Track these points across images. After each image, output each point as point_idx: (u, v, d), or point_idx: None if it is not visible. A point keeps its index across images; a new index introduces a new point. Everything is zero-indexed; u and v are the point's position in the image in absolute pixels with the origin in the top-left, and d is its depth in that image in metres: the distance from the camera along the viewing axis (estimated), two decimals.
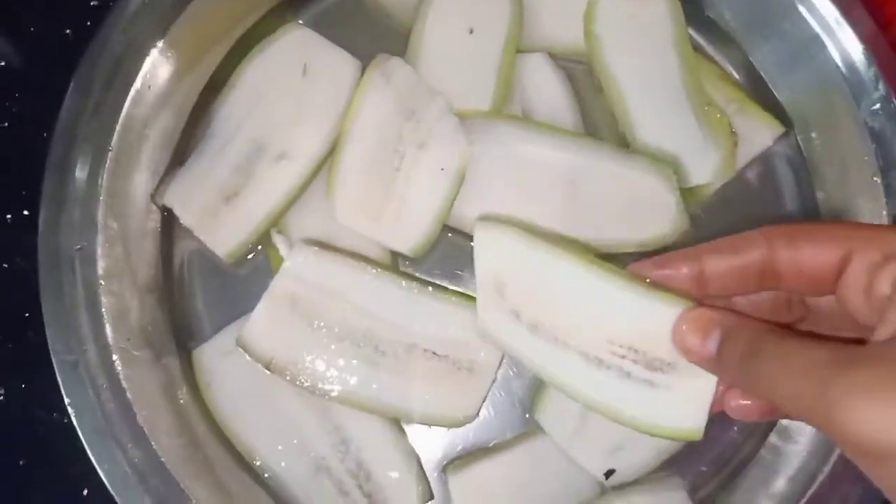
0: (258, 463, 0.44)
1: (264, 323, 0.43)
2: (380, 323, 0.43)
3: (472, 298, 0.43)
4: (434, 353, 0.43)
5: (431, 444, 0.45)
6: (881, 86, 0.43)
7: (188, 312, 0.46)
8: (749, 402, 0.34)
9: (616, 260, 0.40)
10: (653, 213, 0.45)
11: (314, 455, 0.43)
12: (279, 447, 0.44)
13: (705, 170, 0.46)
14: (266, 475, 0.44)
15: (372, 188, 0.44)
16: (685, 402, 0.36)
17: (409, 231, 0.44)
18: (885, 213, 0.43)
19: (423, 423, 0.44)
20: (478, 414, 0.44)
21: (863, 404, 0.26)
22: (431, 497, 0.44)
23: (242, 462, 0.44)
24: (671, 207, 0.45)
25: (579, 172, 0.45)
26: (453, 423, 0.44)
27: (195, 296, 0.46)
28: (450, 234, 0.46)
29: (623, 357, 0.36)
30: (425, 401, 0.43)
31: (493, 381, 0.44)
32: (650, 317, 0.35)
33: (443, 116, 0.45)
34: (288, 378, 0.42)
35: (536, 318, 0.37)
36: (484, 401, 0.44)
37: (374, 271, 0.43)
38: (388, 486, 0.43)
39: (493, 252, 0.39)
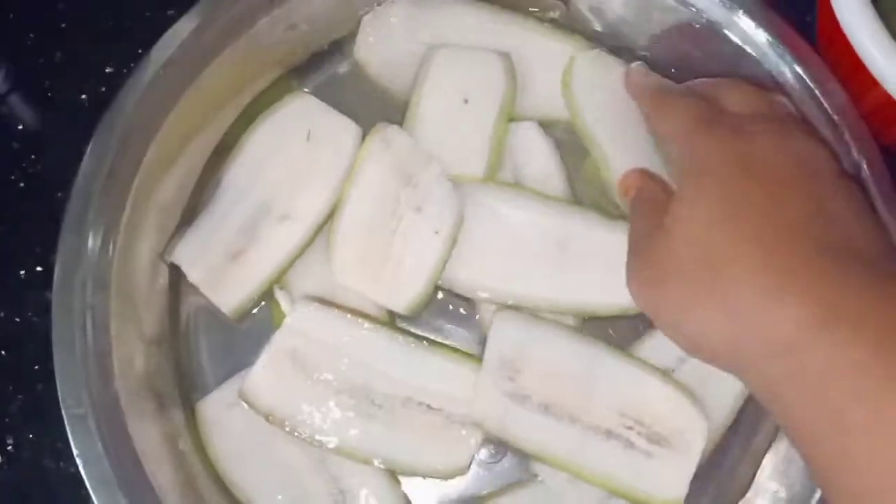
0: None
1: (265, 376, 0.45)
2: (377, 377, 0.45)
3: (467, 355, 0.46)
4: (429, 406, 0.45)
5: (426, 492, 0.47)
6: (854, 154, 0.46)
7: (193, 365, 0.48)
8: None
9: (600, 323, 0.47)
10: None
11: None
12: (279, 497, 0.45)
13: None
14: None
15: (370, 249, 0.46)
16: (672, 473, 0.44)
17: (405, 291, 0.46)
18: None
19: (416, 475, 0.45)
20: (469, 467, 0.45)
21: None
22: None
23: None
24: None
25: (567, 237, 0.47)
26: (445, 476, 0.45)
27: (200, 349, 0.48)
28: (440, 295, 0.49)
29: (630, 428, 0.44)
30: (419, 453, 0.44)
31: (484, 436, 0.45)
32: (652, 392, 0.44)
33: (438, 181, 0.47)
34: (287, 429, 0.44)
35: (549, 398, 0.44)
36: (475, 454, 0.46)
37: (372, 327, 0.45)
38: None
39: (509, 339, 0.45)
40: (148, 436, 0.43)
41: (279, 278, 0.47)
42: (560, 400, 0.44)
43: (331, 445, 0.44)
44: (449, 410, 0.45)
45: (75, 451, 0.40)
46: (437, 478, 0.45)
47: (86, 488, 0.40)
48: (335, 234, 0.46)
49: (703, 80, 0.45)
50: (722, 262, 0.34)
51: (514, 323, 0.46)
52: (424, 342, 0.46)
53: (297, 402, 0.44)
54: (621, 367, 0.45)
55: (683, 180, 0.38)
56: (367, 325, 0.46)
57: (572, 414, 0.44)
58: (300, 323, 0.45)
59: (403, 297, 0.46)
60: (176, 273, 0.47)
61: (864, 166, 0.45)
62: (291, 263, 0.47)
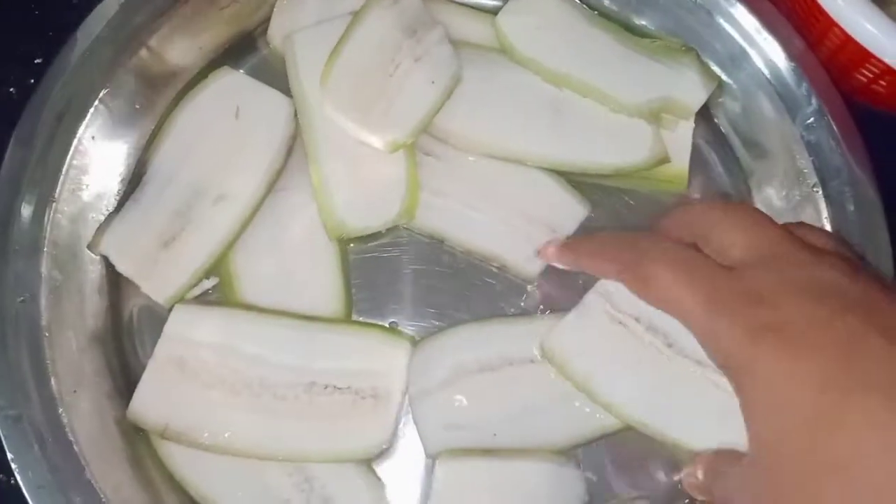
0: None
1: (152, 391, 0.42)
2: (274, 368, 0.42)
3: (366, 325, 0.45)
4: (335, 387, 0.43)
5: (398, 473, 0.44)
6: (814, 100, 0.44)
7: (138, 362, 0.45)
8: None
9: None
10: (631, 141, 0.47)
11: (278, 498, 0.42)
12: (240, 493, 0.42)
13: (694, 90, 0.48)
14: None
15: (364, 86, 0.45)
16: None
17: (392, 129, 0.45)
18: (826, 221, 0.44)
19: (339, 461, 0.43)
20: (392, 439, 0.43)
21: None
22: None
23: None
24: (648, 136, 0.47)
25: (563, 101, 0.48)
26: (368, 455, 0.43)
27: (145, 345, 0.45)
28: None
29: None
30: (336, 439, 0.42)
31: (402, 404, 0.43)
32: None
33: (440, 42, 0.47)
34: (185, 442, 0.41)
35: None
36: (397, 425, 0.43)
37: (260, 318, 0.43)
38: None
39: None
40: (91, 437, 0.41)
41: (215, 264, 0.45)
42: None
43: (237, 449, 0.42)
44: (357, 386, 0.43)
45: (10, 456, 0.38)
46: (361, 459, 0.43)
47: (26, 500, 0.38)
48: (331, 66, 0.45)
49: (683, 209, 0.42)
50: None
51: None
52: (321, 322, 0.44)
53: (192, 412, 0.42)
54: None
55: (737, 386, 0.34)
56: (255, 316, 0.43)
57: None
58: (180, 328, 0.43)
59: (390, 134, 0.45)
60: (114, 267, 0.45)
61: (826, 112, 0.44)
62: (229, 246, 0.45)
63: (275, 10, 0.49)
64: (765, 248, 0.36)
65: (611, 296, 0.42)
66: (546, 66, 0.47)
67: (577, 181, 0.48)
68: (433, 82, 0.46)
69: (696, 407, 0.41)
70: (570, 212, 0.47)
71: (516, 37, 0.48)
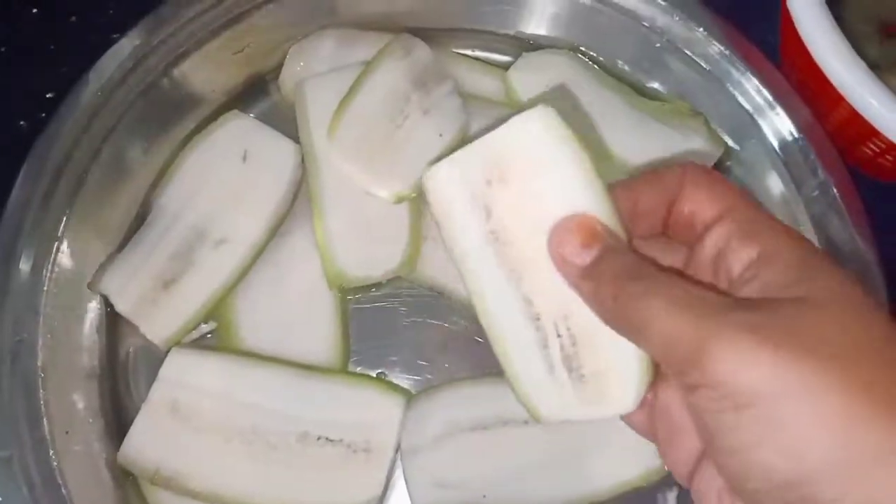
0: None
1: (144, 434, 0.42)
2: (268, 416, 0.42)
3: (362, 377, 0.44)
4: (327, 438, 0.42)
5: None
6: (820, 173, 0.44)
7: (132, 404, 0.45)
8: None
9: None
10: None
11: None
12: None
13: (701, 155, 0.48)
14: None
15: (372, 136, 0.45)
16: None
17: (397, 180, 0.45)
18: None
19: None
20: (383, 495, 0.43)
21: (734, 343, 0.25)
22: None
23: None
24: None
25: None
26: None
27: (139, 386, 0.45)
28: None
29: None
30: (324, 490, 0.42)
31: (393, 459, 0.43)
32: None
33: (450, 95, 0.47)
34: (174, 488, 0.41)
35: None
36: (388, 481, 0.43)
37: (256, 364, 0.43)
38: None
39: None
40: (80, 480, 0.40)
41: (215, 307, 0.45)
42: None
43: (227, 497, 0.41)
44: (350, 439, 0.42)
45: None
46: None
47: None
48: (340, 115, 0.45)
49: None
50: None
51: None
52: (317, 372, 0.44)
53: (183, 457, 0.41)
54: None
55: None
56: (251, 363, 0.43)
57: None
58: (175, 373, 0.42)
59: (395, 185, 0.45)
60: (113, 307, 0.44)
61: (832, 185, 0.44)
62: (228, 291, 0.45)
63: (287, 56, 0.49)
64: None
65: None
66: None
67: None
68: (441, 135, 0.46)
69: None
70: None
71: (526, 93, 0.48)
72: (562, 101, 0.48)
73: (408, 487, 0.43)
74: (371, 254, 0.45)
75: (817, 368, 0.25)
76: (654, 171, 0.32)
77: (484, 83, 0.50)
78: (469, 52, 0.52)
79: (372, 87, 0.47)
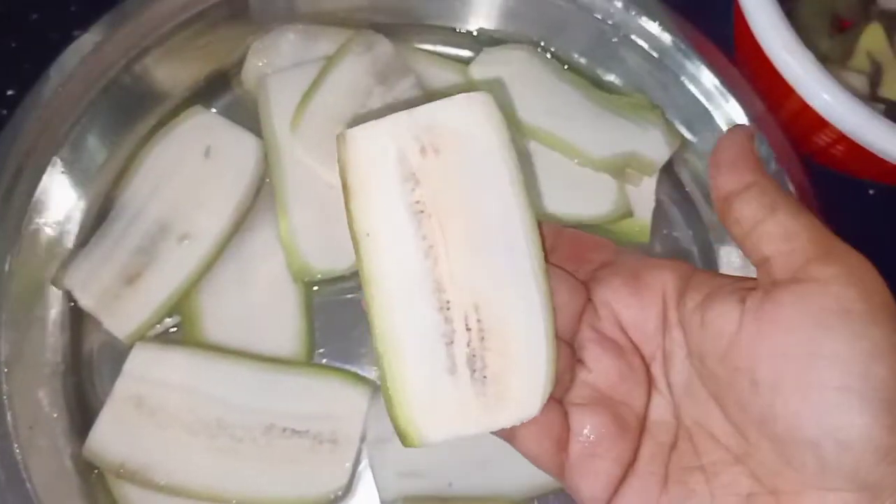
0: None
1: (109, 429, 0.42)
2: (233, 409, 0.42)
3: (327, 369, 0.44)
4: (293, 430, 0.43)
5: None
6: (773, 163, 0.45)
7: (97, 399, 0.44)
8: None
9: None
10: (596, 194, 0.48)
11: None
12: None
13: (658, 147, 0.48)
14: None
15: (334, 130, 0.43)
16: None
17: None
18: None
19: None
20: (349, 485, 0.43)
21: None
22: None
23: None
24: (612, 190, 0.48)
25: (530, 152, 0.48)
26: (324, 500, 0.43)
27: (104, 382, 0.45)
28: None
29: None
30: (291, 482, 0.42)
31: (359, 450, 0.43)
32: None
33: (412, 90, 0.47)
34: (140, 482, 0.41)
35: None
36: (354, 471, 0.43)
37: (222, 358, 0.43)
38: None
39: None
40: (46, 475, 0.40)
41: (179, 302, 0.45)
42: None
43: (193, 490, 0.41)
44: (316, 430, 0.43)
45: None
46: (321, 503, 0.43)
47: None
48: (303, 109, 0.46)
49: None
50: None
51: None
52: (281, 364, 0.44)
53: (147, 451, 0.42)
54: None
55: None
56: (215, 357, 0.43)
57: None
58: (139, 367, 0.43)
59: None
60: (76, 302, 0.44)
61: (785, 175, 0.45)
62: (192, 285, 0.45)
63: (250, 51, 0.49)
64: None
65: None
66: (516, 118, 0.48)
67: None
68: None
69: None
70: None
71: (488, 87, 0.49)
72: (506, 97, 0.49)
73: (374, 478, 0.44)
74: (335, 246, 0.45)
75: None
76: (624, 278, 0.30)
77: (446, 78, 0.50)
78: (430, 48, 0.52)
79: (334, 82, 0.47)
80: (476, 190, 0.28)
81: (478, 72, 0.50)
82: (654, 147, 0.48)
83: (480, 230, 0.28)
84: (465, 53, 0.52)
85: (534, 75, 0.50)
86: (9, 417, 0.40)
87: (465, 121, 0.29)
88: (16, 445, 0.40)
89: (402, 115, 0.29)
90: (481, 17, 0.51)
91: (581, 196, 0.48)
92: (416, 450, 0.42)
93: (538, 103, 0.49)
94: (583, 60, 0.51)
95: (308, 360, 0.45)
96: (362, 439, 0.44)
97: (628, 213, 0.48)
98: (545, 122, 0.48)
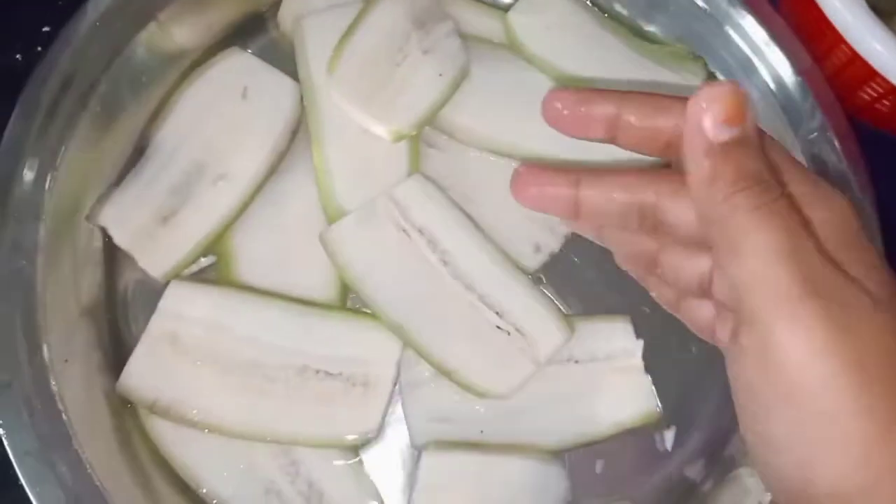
0: (204, 491, 0.42)
1: (144, 365, 0.42)
2: (266, 350, 0.43)
3: (361, 313, 0.44)
4: (327, 372, 0.43)
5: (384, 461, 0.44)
6: (818, 115, 0.45)
7: (130, 336, 0.45)
8: None
9: None
10: None
11: (263, 479, 0.43)
12: (225, 473, 0.43)
13: None
14: (214, 503, 0.42)
15: (371, 74, 0.45)
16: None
17: (398, 116, 0.45)
18: None
19: (326, 446, 0.43)
20: (380, 428, 0.43)
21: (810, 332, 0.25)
22: None
23: (186, 491, 0.43)
24: None
25: None
26: (355, 442, 0.43)
27: (137, 320, 0.45)
28: None
29: None
30: (323, 423, 0.42)
31: (392, 393, 0.43)
32: None
33: (450, 35, 0.47)
34: (173, 418, 0.42)
35: None
36: (385, 414, 0.43)
37: (256, 299, 0.43)
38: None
39: None
40: (80, 408, 0.41)
41: (213, 242, 0.45)
42: None
43: (225, 428, 0.42)
44: (349, 373, 0.43)
45: None
46: (352, 444, 0.43)
47: (11, 466, 0.38)
48: (340, 52, 0.45)
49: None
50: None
51: None
52: (316, 307, 0.44)
53: (181, 388, 0.42)
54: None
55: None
56: (251, 297, 0.43)
57: None
58: (175, 305, 0.43)
59: (394, 123, 0.45)
60: (112, 239, 0.44)
61: (829, 128, 0.45)
62: (227, 226, 0.45)
63: None
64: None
65: (400, 203, 0.44)
66: (554, 66, 0.47)
67: None
68: (441, 74, 0.46)
69: (461, 331, 0.43)
70: (547, 241, 0.47)
71: (526, 34, 0.48)
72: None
73: (407, 422, 0.44)
74: (370, 190, 0.45)
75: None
76: (648, 97, 0.30)
77: (484, 24, 0.50)
78: None
79: (372, 25, 0.46)
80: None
81: (516, 19, 0.49)
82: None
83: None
84: (505, 0, 0.51)
85: (574, 23, 0.49)
86: (45, 350, 0.40)
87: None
88: (52, 378, 0.40)
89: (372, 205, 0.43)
90: None
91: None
92: (448, 396, 0.43)
93: (578, 51, 0.48)
94: (624, 11, 0.50)
95: (341, 305, 0.45)
96: (394, 383, 0.44)
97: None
98: (583, 71, 0.48)
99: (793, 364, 0.26)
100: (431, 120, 0.46)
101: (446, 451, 0.43)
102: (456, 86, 0.47)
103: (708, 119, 0.27)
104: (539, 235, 0.47)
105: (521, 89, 0.48)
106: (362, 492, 0.43)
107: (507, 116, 0.47)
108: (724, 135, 0.27)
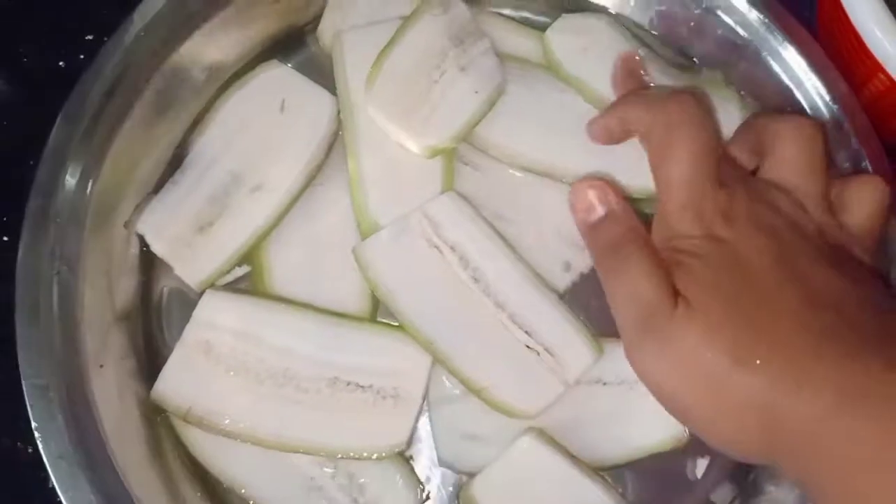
0: (244, 492, 0.43)
1: (178, 373, 0.43)
2: (298, 360, 0.43)
3: (392, 327, 0.44)
4: (357, 384, 0.43)
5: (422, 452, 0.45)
6: (853, 142, 0.45)
7: (164, 344, 0.46)
8: None
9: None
10: None
11: (302, 476, 0.43)
12: (264, 474, 0.43)
13: (733, 124, 0.46)
14: None
15: (408, 90, 0.46)
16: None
17: (433, 133, 0.45)
18: None
19: (355, 457, 0.43)
20: (409, 440, 0.43)
21: (648, 361, 0.36)
22: (427, 499, 0.44)
23: (214, 499, 0.44)
24: None
25: None
26: (384, 454, 0.43)
27: (171, 327, 0.46)
28: None
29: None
30: (353, 434, 0.43)
31: (421, 406, 0.44)
32: None
33: (487, 53, 0.47)
34: (206, 427, 0.42)
35: None
36: (415, 427, 0.44)
37: (289, 310, 0.44)
38: (383, 495, 0.43)
39: None
40: (114, 413, 0.41)
41: (249, 252, 0.45)
42: None
43: (256, 437, 0.42)
44: (379, 385, 0.43)
45: (34, 424, 0.39)
46: (376, 456, 0.43)
47: (44, 468, 0.38)
48: (378, 68, 0.46)
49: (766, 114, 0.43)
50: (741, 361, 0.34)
51: None
52: (347, 319, 0.44)
53: (215, 398, 0.42)
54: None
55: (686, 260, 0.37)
56: (284, 307, 0.44)
57: None
58: (209, 314, 0.43)
59: (429, 139, 0.45)
60: (149, 247, 0.45)
61: (865, 157, 0.45)
62: (263, 237, 0.45)
63: (326, 8, 0.49)
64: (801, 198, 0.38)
65: (433, 219, 0.44)
66: (590, 87, 0.48)
67: None
68: (477, 92, 0.46)
69: (490, 349, 0.43)
70: (578, 260, 0.47)
71: (563, 54, 0.49)
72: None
73: (434, 439, 0.44)
74: (403, 205, 0.45)
75: None
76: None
77: (521, 44, 0.50)
78: (507, 12, 0.52)
79: (410, 42, 0.47)
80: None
81: (554, 38, 0.49)
82: (728, 124, 0.47)
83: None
84: (542, 19, 0.51)
85: (610, 45, 0.49)
86: (81, 355, 0.41)
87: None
88: (87, 383, 0.40)
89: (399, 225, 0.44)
90: None
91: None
92: (476, 413, 0.43)
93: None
94: (663, 35, 0.51)
95: (373, 317, 0.45)
96: (424, 396, 0.44)
97: None
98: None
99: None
100: (466, 136, 0.46)
101: (545, 444, 0.43)
102: (491, 103, 0.47)
103: (580, 206, 0.42)
104: (569, 254, 0.47)
105: (556, 109, 0.48)
106: (405, 483, 0.43)
107: (541, 135, 0.47)
108: (592, 217, 0.41)
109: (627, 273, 0.37)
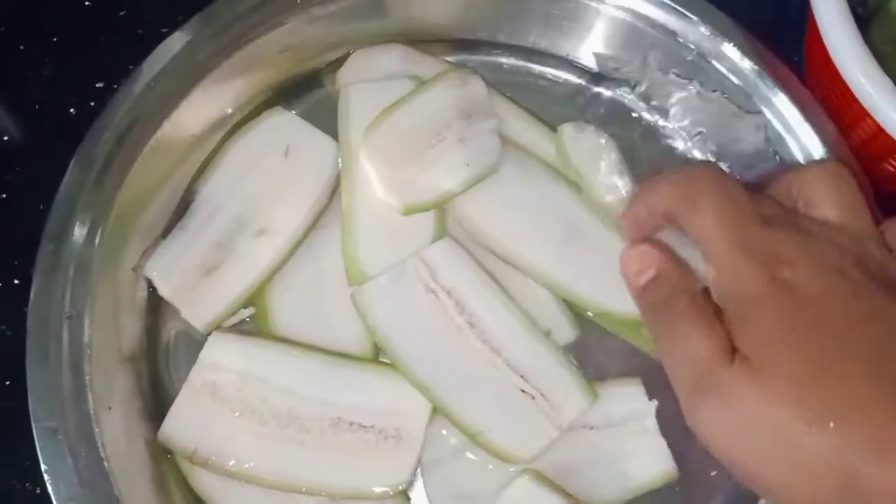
0: None
1: (184, 415, 0.43)
2: (302, 401, 0.44)
3: (393, 367, 0.45)
4: (360, 424, 0.44)
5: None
6: None
7: (171, 385, 0.46)
8: None
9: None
10: None
11: None
12: None
13: None
14: None
15: (403, 149, 0.47)
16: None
17: (413, 195, 0.46)
18: None
19: (357, 497, 0.44)
20: (411, 480, 0.44)
21: (708, 422, 0.34)
22: None
23: None
24: None
25: (580, 230, 0.48)
26: (386, 494, 0.44)
27: (178, 369, 0.46)
28: None
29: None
30: (355, 474, 0.43)
31: (422, 447, 0.44)
32: None
33: (490, 133, 0.48)
34: (211, 468, 0.43)
35: None
36: (416, 468, 0.44)
37: (292, 351, 0.45)
38: None
39: None
40: (122, 455, 0.42)
41: (254, 295, 0.46)
42: None
43: (261, 478, 0.43)
44: (381, 426, 0.44)
45: (44, 467, 0.39)
46: (378, 497, 0.44)
47: None
48: (380, 122, 0.47)
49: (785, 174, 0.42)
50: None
51: None
52: (349, 360, 0.45)
53: (220, 438, 0.43)
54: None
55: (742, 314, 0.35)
56: (287, 349, 0.45)
57: None
58: (215, 356, 0.44)
59: (409, 197, 0.46)
60: (156, 290, 0.46)
61: None
62: (267, 280, 0.46)
63: (351, 56, 0.51)
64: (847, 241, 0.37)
65: (430, 264, 0.45)
66: (593, 185, 0.49)
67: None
68: (468, 165, 0.47)
69: (486, 393, 0.44)
70: (561, 330, 0.48)
71: (574, 148, 0.49)
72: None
73: (429, 499, 0.45)
74: (392, 258, 0.46)
75: None
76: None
77: (527, 135, 0.51)
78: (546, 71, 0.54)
79: (419, 105, 0.48)
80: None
81: (568, 132, 0.50)
82: None
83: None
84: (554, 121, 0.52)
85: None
86: (89, 397, 0.41)
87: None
88: (95, 425, 0.41)
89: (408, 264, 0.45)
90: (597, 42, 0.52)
91: (616, 288, 0.43)
92: (470, 471, 0.44)
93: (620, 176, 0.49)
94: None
95: (375, 358, 0.46)
96: (425, 436, 0.44)
97: None
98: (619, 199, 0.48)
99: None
100: (445, 203, 0.47)
101: (539, 484, 0.43)
102: (478, 179, 0.47)
103: (630, 271, 0.40)
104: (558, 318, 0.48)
105: (540, 202, 0.49)
106: None
107: (515, 224, 0.48)
108: (641, 280, 0.40)
109: (678, 331, 0.36)
